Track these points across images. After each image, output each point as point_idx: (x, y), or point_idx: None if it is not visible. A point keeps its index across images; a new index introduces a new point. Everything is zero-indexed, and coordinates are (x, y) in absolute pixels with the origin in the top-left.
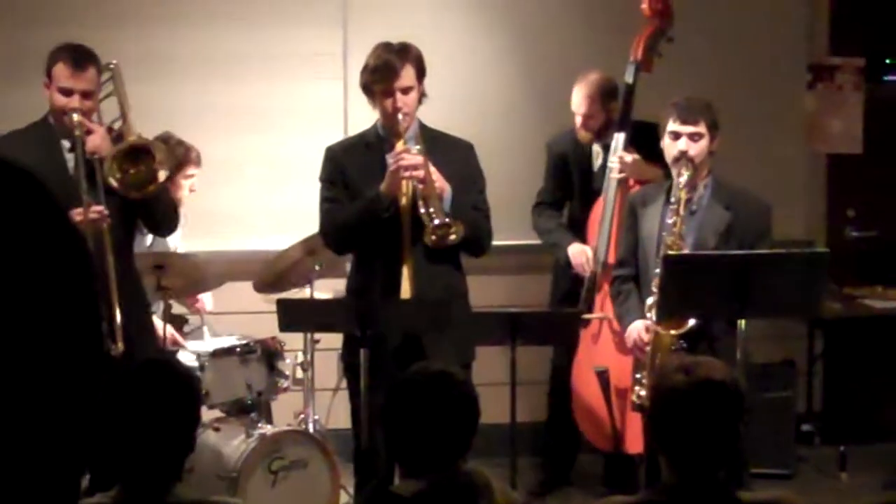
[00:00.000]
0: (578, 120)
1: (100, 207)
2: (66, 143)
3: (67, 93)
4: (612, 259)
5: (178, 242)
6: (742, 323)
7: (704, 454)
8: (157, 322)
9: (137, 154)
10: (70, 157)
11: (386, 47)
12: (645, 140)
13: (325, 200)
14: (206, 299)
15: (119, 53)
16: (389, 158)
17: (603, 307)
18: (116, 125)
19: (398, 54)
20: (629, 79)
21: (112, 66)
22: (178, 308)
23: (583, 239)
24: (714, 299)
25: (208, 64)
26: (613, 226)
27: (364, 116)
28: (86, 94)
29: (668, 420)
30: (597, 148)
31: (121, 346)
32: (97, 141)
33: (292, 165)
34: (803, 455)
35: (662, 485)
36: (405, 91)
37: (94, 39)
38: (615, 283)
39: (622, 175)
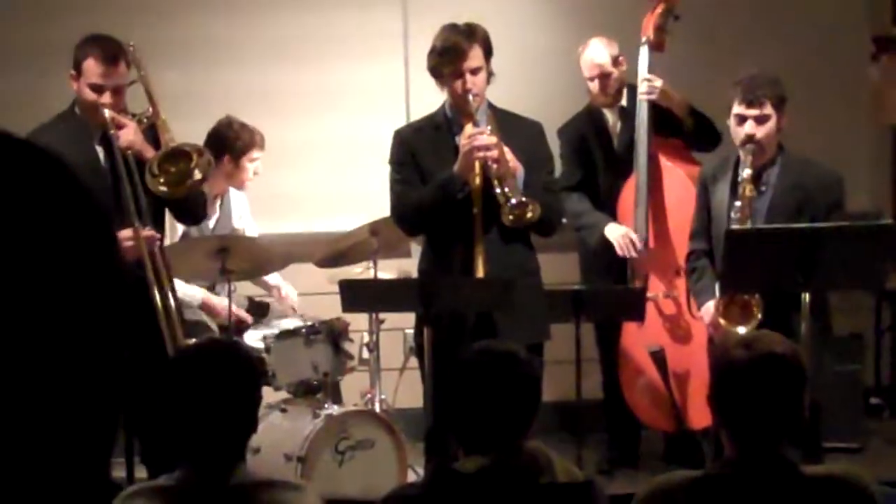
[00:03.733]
0: (595, 85)
1: (151, 233)
2: (96, 135)
3: (98, 89)
4: (651, 240)
5: (246, 224)
6: (805, 296)
7: (766, 428)
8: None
9: (175, 153)
10: (100, 149)
11: (452, 28)
12: (655, 108)
13: (396, 183)
14: (289, 291)
15: (183, 39)
16: (461, 140)
17: (650, 289)
18: (144, 114)
19: (465, 35)
20: (643, 59)
21: (130, 46)
22: (252, 291)
23: (614, 218)
24: (777, 274)
25: (270, 47)
26: (647, 204)
27: (426, 96)
28: (116, 90)
29: (729, 395)
30: (611, 115)
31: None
32: (130, 136)
33: (356, 147)
34: (872, 428)
35: (724, 460)
36: (474, 71)
37: (155, 26)
38: (690, 258)
39: (651, 96)
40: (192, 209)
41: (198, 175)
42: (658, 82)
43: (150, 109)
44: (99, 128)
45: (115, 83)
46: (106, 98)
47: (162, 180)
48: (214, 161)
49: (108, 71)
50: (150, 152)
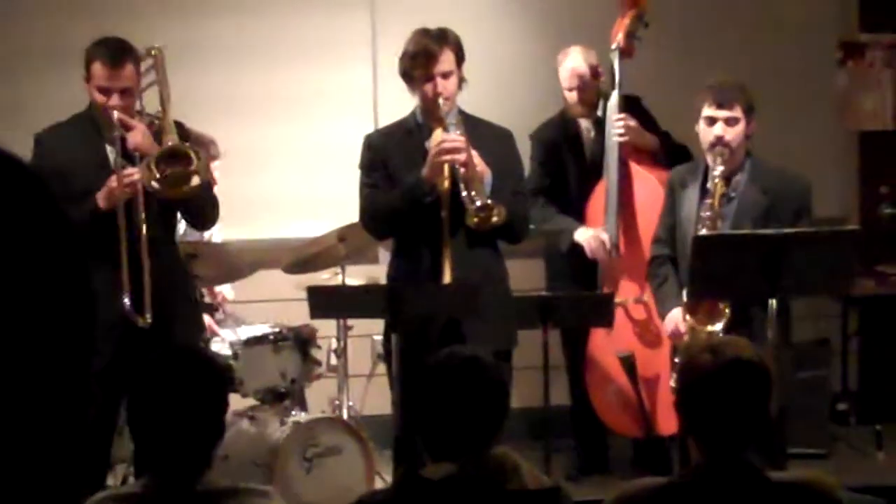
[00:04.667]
0: (573, 95)
1: (133, 170)
2: (108, 136)
3: (106, 91)
4: (622, 244)
5: (211, 231)
6: (773, 303)
7: (733, 434)
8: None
9: (176, 154)
10: (110, 150)
11: (424, 33)
12: (631, 114)
13: (366, 187)
14: (226, 290)
15: (150, 44)
16: (430, 144)
17: (619, 294)
18: (156, 116)
19: (437, 39)
20: (615, 66)
21: (154, 51)
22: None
23: (583, 224)
24: (744, 280)
25: (237, 53)
26: (618, 209)
27: (394, 102)
28: (124, 92)
29: (695, 400)
30: (586, 124)
31: (148, 318)
32: (138, 138)
33: (323, 152)
34: (839, 434)
35: (691, 466)
36: (445, 76)
37: (123, 30)
38: (652, 264)
39: (624, 139)
40: (200, 212)
41: (196, 180)
42: (632, 122)
43: (161, 110)
44: (111, 127)
45: (122, 86)
46: (114, 100)
47: (157, 176)
48: None
49: (113, 74)
50: None
